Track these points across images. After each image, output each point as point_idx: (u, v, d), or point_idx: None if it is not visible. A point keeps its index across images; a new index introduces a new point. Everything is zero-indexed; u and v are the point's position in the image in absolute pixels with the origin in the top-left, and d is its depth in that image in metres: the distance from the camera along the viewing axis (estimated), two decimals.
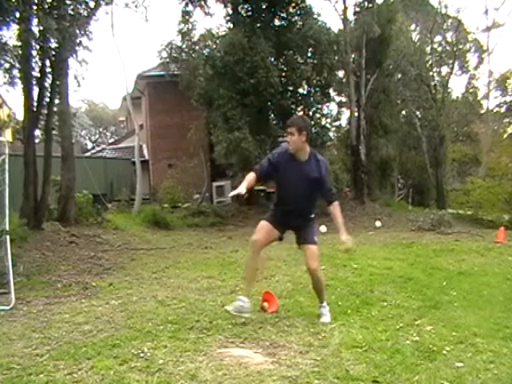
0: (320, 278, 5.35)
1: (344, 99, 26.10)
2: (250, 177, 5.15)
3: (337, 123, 26.64)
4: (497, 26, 32.16)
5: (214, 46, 20.24)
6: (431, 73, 28.61)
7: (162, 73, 22.74)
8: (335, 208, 5.29)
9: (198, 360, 4.03)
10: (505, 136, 32.18)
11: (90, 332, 4.87)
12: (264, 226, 5.26)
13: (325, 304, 5.36)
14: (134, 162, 21.39)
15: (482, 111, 36.02)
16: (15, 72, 10.12)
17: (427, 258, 9.81)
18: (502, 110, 36.63)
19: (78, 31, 10.55)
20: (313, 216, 5.41)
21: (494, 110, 36.32)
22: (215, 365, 3.91)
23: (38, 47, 10.21)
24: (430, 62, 28.77)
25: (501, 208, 19.74)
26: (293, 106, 20.99)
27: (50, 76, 10.79)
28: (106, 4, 12.03)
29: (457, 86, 73.28)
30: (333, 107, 26.01)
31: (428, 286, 7.00)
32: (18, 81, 10.27)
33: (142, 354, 4.15)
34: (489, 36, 35.48)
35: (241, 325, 5.00)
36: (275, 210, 5.42)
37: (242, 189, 4.94)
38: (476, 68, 34.93)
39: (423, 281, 7.45)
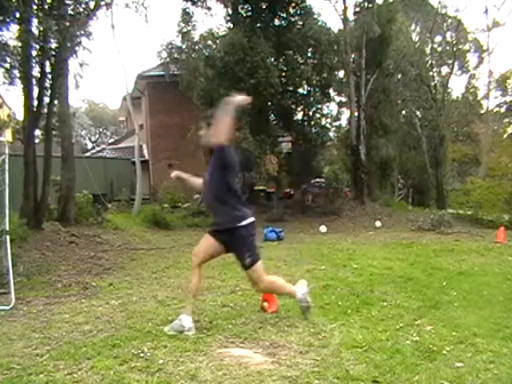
0: (274, 289, 5.16)
1: (344, 99, 26.12)
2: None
3: (337, 123, 26.71)
4: (497, 26, 32.21)
5: (214, 46, 20.23)
6: (431, 73, 28.63)
7: (162, 73, 22.73)
8: None
9: (198, 360, 4.03)
10: (505, 136, 32.22)
11: (90, 332, 4.87)
12: (206, 238, 4.95)
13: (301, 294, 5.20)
14: (134, 162, 21.39)
15: (482, 111, 36.04)
16: (15, 72, 10.12)
17: (427, 258, 9.80)
18: (502, 110, 36.66)
19: (78, 31, 10.55)
20: (239, 224, 4.76)
21: (494, 110, 36.34)
22: (215, 365, 3.91)
23: (37, 48, 10.21)
24: (429, 62, 28.78)
25: (501, 208, 19.75)
26: (293, 106, 21.03)
27: (49, 76, 10.79)
28: (107, 4, 12.02)
29: (457, 86, 73.28)
30: (333, 107, 26.11)
31: (428, 286, 7.00)
32: (18, 81, 10.28)
33: (142, 354, 4.16)
34: (489, 36, 35.61)
35: (241, 325, 5.00)
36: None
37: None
38: (476, 68, 34.99)
39: (423, 281, 7.44)
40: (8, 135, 12.21)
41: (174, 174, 5.28)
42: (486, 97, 35.56)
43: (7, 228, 6.56)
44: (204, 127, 4.94)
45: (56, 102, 11.53)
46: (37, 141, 11.24)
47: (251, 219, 4.85)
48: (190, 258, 4.99)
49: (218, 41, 20.36)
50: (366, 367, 3.86)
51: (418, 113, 30.98)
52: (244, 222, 4.76)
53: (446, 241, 12.79)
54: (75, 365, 3.95)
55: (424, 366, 3.88)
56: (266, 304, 5.58)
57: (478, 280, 7.54)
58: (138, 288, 7.15)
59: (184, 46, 20.41)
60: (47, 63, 10.64)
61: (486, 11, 31.75)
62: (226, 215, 4.81)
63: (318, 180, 23.63)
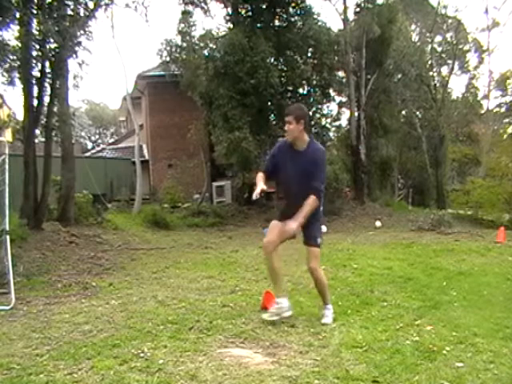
0: (320, 278, 5.30)
1: (344, 99, 26.08)
2: (260, 176, 5.19)
3: (337, 123, 26.62)
4: (497, 26, 32.19)
5: (214, 47, 20.22)
6: (431, 73, 28.64)
7: (162, 73, 22.74)
8: (309, 199, 4.99)
9: (198, 360, 4.03)
10: (505, 136, 32.22)
11: (90, 332, 4.87)
12: (273, 225, 5.24)
13: (329, 306, 5.30)
14: (134, 162, 21.40)
15: (482, 111, 36.02)
16: (15, 72, 10.13)
17: (427, 258, 9.80)
18: (502, 110, 36.65)
19: (77, 32, 10.55)
20: (318, 212, 5.21)
21: (494, 110, 36.33)
22: (215, 365, 3.91)
23: (37, 48, 10.22)
24: (430, 62, 28.78)
25: (501, 208, 19.74)
26: None
27: (49, 76, 10.80)
28: (106, 5, 12.02)
29: (457, 86, 73.28)
30: (333, 107, 25.98)
31: (428, 286, 7.00)
32: (18, 81, 10.29)
33: (142, 354, 4.15)
34: (489, 36, 35.52)
35: (241, 325, 5.00)
36: (282, 206, 5.41)
37: (261, 185, 5.04)
38: (476, 68, 34.94)
39: (423, 281, 7.45)
40: (8, 135, 12.19)
41: (259, 189, 5.17)
42: (486, 97, 35.55)
43: (7, 228, 6.56)
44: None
45: (56, 102, 11.52)
46: (37, 141, 11.24)
47: None
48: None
49: (217, 41, 20.35)
50: (366, 367, 3.86)
51: (418, 113, 30.98)
52: None
53: (446, 241, 12.78)
54: (75, 365, 3.95)
55: (424, 366, 3.88)
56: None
57: (478, 280, 7.54)
58: (138, 288, 7.14)
59: (184, 46, 20.41)
60: (47, 63, 10.65)
61: (486, 11, 31.73)
62: None
63: None
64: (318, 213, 5.20)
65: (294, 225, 4.93)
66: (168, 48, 20.38)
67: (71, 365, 3.95)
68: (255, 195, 5.12)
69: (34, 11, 9.93)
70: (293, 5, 20.42)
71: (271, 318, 5.01)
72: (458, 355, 4.14)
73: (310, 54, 20.86)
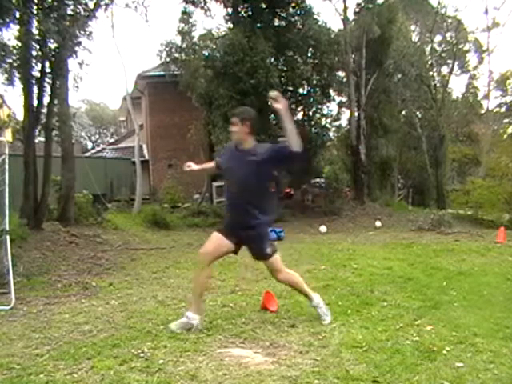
0: (293, 281, 5.15)
1: (344, 99, 26.10)
2: (210, 163, 5.48)
3: (337, 123, 26.66)
4: (497, 26, 32.18)
5: (214, 47, 20.22)
6: (431, 73, 28.63)
7: (162, 73, 22.73)
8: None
9: (198, 360, 4.03)
10: (505, 136, 32.20)
11: (90, 332, 4.87)
12: (213, 236, 4.98)
13: (316, 302, 5.16)
14: (134, 162, 21.40)
15: (482, 111, 36.03)
16: (15, 72, 10.12)
17: (427, 258, 9.80)
18: (502, 110, 36.64)
19: (77, 32, 10.55)
20: (264, 219, 4.99)
21: (494, 111, 36.33)
22: (215, 365, 3.91)
23: (37, 48, 10.21)
24: (430, 62, 28.78)
25: (501, 208, 19.73)
26: (293, 106, 20.98)
27: (49, 76, 10.79)
28: (106, 4, 12.01)
29: (457, 86, 73.27)
30: (333, 107, 26.03)
31: (428, 286, 7.00)
32: (18, 81, 10.28)
33: (142, 354, 4.16)
34: (489, 36, 35.46)
35: (241, 325, 5.00)
36: (226, 215, 5.27)
37: (197, 166, 5.46)
38: (476, 68, 34.95)
39: (423, 281, 7.44)
40: (8, 135, 12.18)
41: (188, 167, 5.45)
42: (486, 97, 35.55)
43: (7, 228, 6.56)
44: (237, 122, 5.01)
45: (56, 101, 11.52)
46: (37, 141, 11.24)
47: None
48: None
49: (217, 41, 20.35)
50: (366, 367, 3.86)
51: (418, 113, 30.97)
52: None
53: (446, 241, 12.78)
54: (75, 365, 3.95)
55: (424, 366, 3.88)
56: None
57: (478, 280, 7.53)
58: (138, 288, 7.15)
59: (184, 46, 20.39)
60: (47, 63, 10.64)
61: (486, 11, 31.74)
62: None
63: (318, 180, 23.63)
64: (262, 216, 4.98)
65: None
66: (168, 48, 20.35)
67: (71, 365, 3.95)
68: (186, 166, 5.41)
69: (34, 11, 9.93)
70: (293, 5, 20.44)
71: (176, 330, 4.77)
72: (458, 355, 4.14)
73: (309, 54, 20.88)
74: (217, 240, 4.95)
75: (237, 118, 5.02)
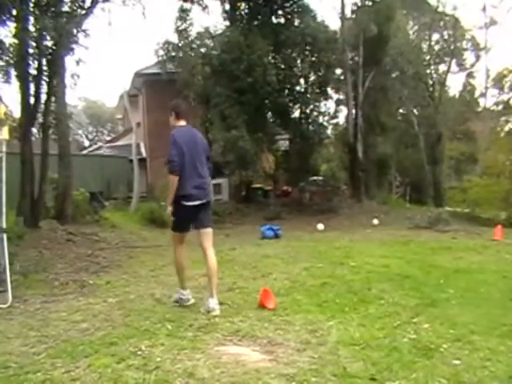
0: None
1: (342, 97, 26.11)
2: (174, 183, 5.53)
3: (334, 121, 26.65)
4: (494, 24, 32.23)
5: (212, 44, 20.21)
6: (429, 71, 28.67)
7: (159, 71, 22.68)
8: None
9: (196, 358, 4.03)
10: (502, 134, 32.26)
11: (87, 330, 4.87)
12: None
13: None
14: (131, 160, 21.38)
15: (479, 109, 36.11)
16: (12, 70, 10.09)
17: (424, 255, 9.81)
18: (499, 108, 36.70)
19: (74, 29, 10.52)
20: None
21: (491, 108, 36.40)
22: (213, 363, 3.91)
23: (34, 45, 10.19)
24: (427, 60, 28.80)
25: (498, 206, 19.75)
26: (290, 104, 21.00)
27: (46, 74, 10.77)
28: (103, 1, 11.97)
29: (454, 84, 73.32)
30: (330, 105, 26.03)
31: (425, 284, 7.00)
32: (15, 78, 10.26)
33: (139, 352, 4.16)
34: (486, 34, 35.47)
35: (238, 323, 5.00)
36: None
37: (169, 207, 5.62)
38: (473, 66, 35.01)
39: (420, 278, 7.45)
40: (5, 133, 12.14)
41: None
42: (484, 95, 35.63)
43: (4, 226, 6.55)
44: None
45: (53, 99, 11.50)
46: (34, 139, 11.23)
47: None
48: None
49: (214, 39, 20.33)
50: (364, 365, 3.86)
51: (415, 111, 31.01)
52: None
53: (444, 238, 12.80)
54: (72, 363, 3.95)
55: (421, 364, 3.89)
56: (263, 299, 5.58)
57: (475, 278, 7.54)
58: (136, 286, 7.14)
59: (181, 44, 20.36)
60: (44, 61, 10.62)
61: (484, 9, 31.80)
62: None
63: (315, 178, 23.64)
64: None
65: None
66: (165, 47, 20.32)
67: (68, 363, 3.95)
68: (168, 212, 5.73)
69: (31, 8, 9.91)
70: (290, 2, 20.43)
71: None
72: (455, 353, 4.15)
73: (307, 52, 20.88)
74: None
75: (169, 110, 5.84)
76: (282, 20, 20.65)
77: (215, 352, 4.16)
